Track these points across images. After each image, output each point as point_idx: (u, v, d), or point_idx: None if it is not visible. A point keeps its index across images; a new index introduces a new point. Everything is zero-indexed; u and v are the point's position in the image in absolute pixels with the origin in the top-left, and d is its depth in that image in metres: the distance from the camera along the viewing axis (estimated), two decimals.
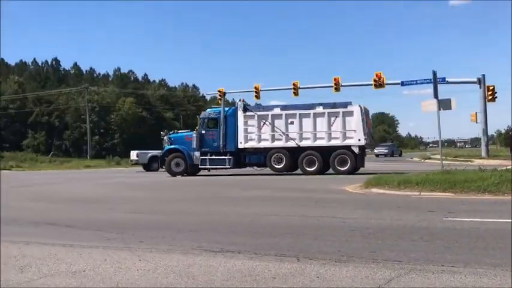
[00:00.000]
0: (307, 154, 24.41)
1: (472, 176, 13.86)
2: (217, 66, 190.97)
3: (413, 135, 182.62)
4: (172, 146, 26.72)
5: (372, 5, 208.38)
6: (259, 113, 25.80)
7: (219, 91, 47.67)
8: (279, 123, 25.05)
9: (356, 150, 23.97)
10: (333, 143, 24.17)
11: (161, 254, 6.82)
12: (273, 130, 25.15)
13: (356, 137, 23.95)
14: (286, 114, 25.22)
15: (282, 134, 24.97)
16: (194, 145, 25.86)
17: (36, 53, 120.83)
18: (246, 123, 25.58)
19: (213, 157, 25.69)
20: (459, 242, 7.15)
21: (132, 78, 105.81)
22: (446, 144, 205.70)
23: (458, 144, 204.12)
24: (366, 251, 6.61)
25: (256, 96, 44.74)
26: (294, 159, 24.83)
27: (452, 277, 5.26)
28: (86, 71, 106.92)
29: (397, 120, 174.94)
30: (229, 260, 6.30)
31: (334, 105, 25.24)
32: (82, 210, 12.89)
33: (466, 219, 9.12)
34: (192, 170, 26.57)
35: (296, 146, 24.72)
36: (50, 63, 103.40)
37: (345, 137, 24.10)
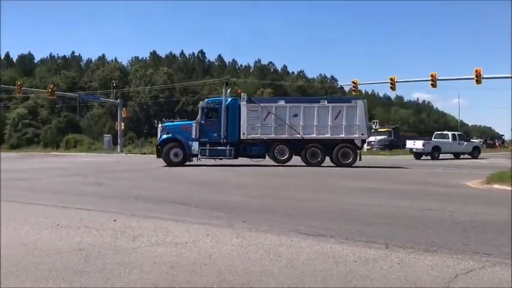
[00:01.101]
0: (311, 146, 24.57)
1: None
2: (355, 57, 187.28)
3: None
4: (169, 136, 25.13)
5: None
6: (263, 105, 25.44)
7: (353, 82, 47.44)
8: (283, 116, 24.81)
9: (359, 143, 25.14)
10: (336, 136, 24.59)
11: (258, 233, 7.19)
12: (276, 122, 24.84)
13: (359, 131, 24.70)
14: (290, 107, 25.12)
15: (285, 126, 24.72)
16: (193, 135, 24.75)
17: (184, 46, 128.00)
18: (249, 114, 25.01)
19: (214, 147, 24.76)
20: None
21: (272, 69, 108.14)
22: None
23: None
24: (459, 243, 6.48)
25: (391, 87, 43.59)
26: (297, 151, 24.87)
27: None
28: (229, 62, 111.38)
29: None
30: (318, 243, 6.51)
31: (338, 100, 26.37)
32: (202, 191, 13.74)
33: None
34: (188, 160, 25.50)
35: (300, 138, 24.63)
36: (196, 56, 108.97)
37: (348, 131, 24.62)
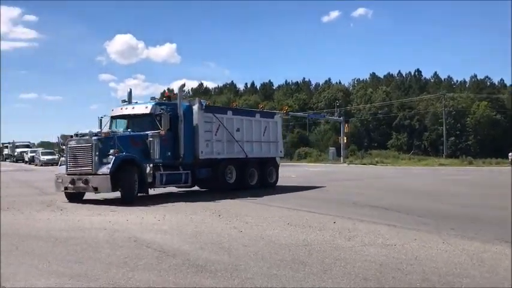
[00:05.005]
0: (251, 166, 17.68)
1: None
2: None
3: None
4: (127, 155, 13.50)
5: None
6: (217, 115, 16.85)
7: None
8: (231, 130, 17.18)
9: (278, 161, 19.45)
10: (266, 154, 18.52)
11: (464, 240, 6.98)
12: (227, 137, 17.00)
13: (279, 149, 19.26)
14: (235, 120, 17.69)
15: (234, 143, 17.24)
16: (153, 154, 14.13)
17: (401, 66, 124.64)
18: (205, 126, 16.40)
19: (169, 172, 14.85)
20: None
21: (488, 83, 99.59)
22: None
23: None
24: None
25: None
26: (241, 171, 17.29)
27: None
28: (444, 79, 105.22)
29: None
30: None
31: (266, 114, 19.38)
32: (413, 200, 13.46)
33: None
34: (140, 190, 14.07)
35: (245, 157, 17.51)
36: (412, 74, 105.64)
37: (272, 148, 18.86)
